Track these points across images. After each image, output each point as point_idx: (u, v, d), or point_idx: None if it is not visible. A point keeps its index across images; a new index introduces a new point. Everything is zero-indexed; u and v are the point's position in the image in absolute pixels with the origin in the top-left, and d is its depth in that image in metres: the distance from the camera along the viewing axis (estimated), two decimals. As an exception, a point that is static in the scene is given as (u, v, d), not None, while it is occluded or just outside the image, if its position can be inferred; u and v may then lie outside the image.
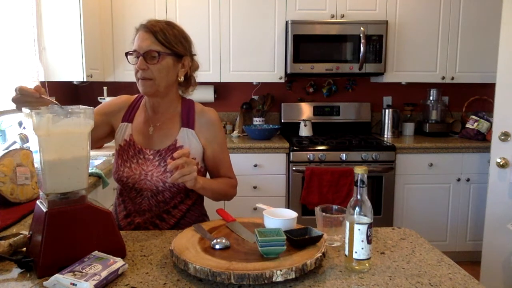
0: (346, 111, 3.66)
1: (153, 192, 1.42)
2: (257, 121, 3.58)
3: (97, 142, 1.53)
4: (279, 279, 0.96)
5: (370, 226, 1.04)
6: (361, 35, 3.18)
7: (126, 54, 1.40)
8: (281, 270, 0.96)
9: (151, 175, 1.41)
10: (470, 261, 3.06)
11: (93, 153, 2.63)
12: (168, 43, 1.37)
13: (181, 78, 1.44)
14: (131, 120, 1.50)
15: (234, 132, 3.49)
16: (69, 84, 3.18)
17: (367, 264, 1.06)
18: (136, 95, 1.56)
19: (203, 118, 1.48)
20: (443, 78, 3.39)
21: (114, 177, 1.48)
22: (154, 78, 1.37)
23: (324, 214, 1.21)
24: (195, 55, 1.49)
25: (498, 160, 2.41)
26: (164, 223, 1.43)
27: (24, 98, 1.11)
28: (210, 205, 1.60)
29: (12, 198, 1.57)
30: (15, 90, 1.11)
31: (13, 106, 1.13)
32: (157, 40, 1.36)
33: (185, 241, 1.12)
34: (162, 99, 1.46)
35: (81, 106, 1.07)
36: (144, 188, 1.42)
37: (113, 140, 1.54)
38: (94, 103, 3.22)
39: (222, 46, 3.26)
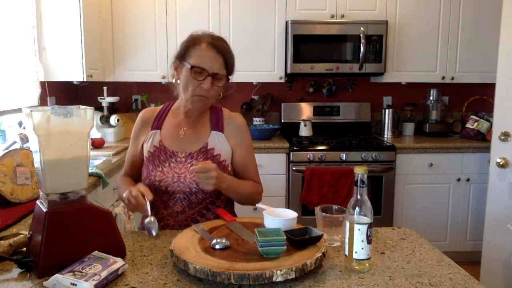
0: (346, 111, 3.66)
1: (186, 194, 1.44)
2: (257, 121, 3.58)
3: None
4: (279, 279, 0.96)
5: (370, 226, 1.04)
6: (361, 35, 3.17)
7: (192, 67, 1.38)
8: (281, 270, 0.96)
9: (184, 177, 1.43)
10: (470, 261, 3.06)
11: (93, 153, 2.62)
12: (230, 69, 1.43)
13: (220, 96, 1.48)
14: (160, 127, 1.52)
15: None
16: (69, 84, 3.17)
17: (367, 264, 1.06)
18: (162, 105, 1.58)
19: (231, 122, 1.52)
20: (443, 78, 3.39)
21: (144, 183, 1.47)
22: (209, 97, 1.42)
23: (324, 214, 1.21)
24: None
25: (498, 160, 2.41)
26: None
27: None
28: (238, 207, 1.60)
29: (12, 198, 1.57)
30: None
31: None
32: (226, 64, 1.40)
33: (185, 241, 1.12)
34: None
35: (81, 106, 1.07)
36: (177, 191, 1.44)
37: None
38: (94, 103, 3.22)
39: (222, 46, 3.25)
